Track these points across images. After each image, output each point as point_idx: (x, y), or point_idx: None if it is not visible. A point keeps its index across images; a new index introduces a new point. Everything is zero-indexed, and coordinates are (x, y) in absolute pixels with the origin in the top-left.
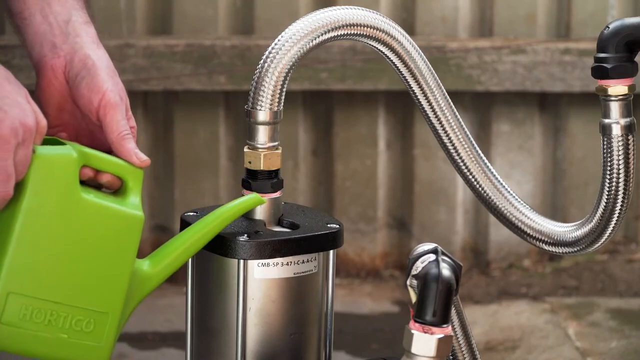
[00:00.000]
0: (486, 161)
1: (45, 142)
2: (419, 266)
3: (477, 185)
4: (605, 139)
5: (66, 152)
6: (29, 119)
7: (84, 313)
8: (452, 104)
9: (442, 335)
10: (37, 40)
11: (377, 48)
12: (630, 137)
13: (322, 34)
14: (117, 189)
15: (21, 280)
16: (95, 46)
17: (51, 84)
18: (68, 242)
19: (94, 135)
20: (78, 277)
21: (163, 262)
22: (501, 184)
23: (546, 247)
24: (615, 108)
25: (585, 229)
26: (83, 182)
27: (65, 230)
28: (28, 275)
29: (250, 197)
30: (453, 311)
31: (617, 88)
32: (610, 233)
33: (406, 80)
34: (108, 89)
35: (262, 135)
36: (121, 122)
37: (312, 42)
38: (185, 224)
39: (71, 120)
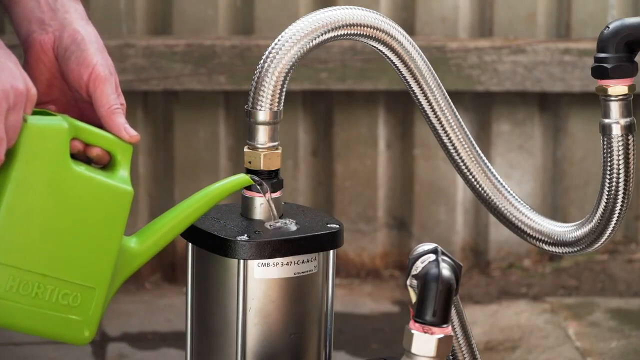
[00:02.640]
0: (486, 161)
1: (36, 114)
2: (419, 266)
3: (477, 185)
4: (605, 139)
5: (57, 123)
6: (20, 83)
7: (70, 287)
8: (452, 104)
9: (442, 335)
10: (25, 17)
11: (377, 48)
12: (630, 137)
13: (322, 34)
14: (106, 164)
15: (9, 250)
16: (84, 22)
17: (40, 60)
18: (57, 214)
19: (83, 112)
20: (66, 249)
21: (150, 239)
22: (501, 184)
23: (546, 247)
24: (615, 108)
25: (585, 229)
26: (72, 156)
27: (54, 202)
28: (16, 246)
29: (237, 177)
30: (453, 311)
31: (617, 88)
32: (610, 233)
33: (406, 80)
34: (98, 62)
35: (262, 135)
36: (111, 96)
37: (312, 42)
38: None
39: (60, 96)
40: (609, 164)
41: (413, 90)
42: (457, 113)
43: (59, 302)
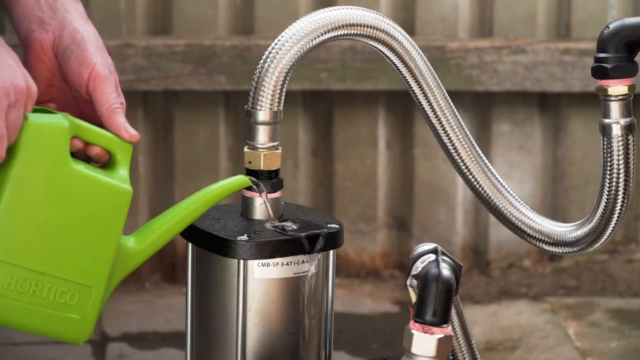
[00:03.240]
0: (486, 161)
1: (36, 112)
2: (419, 266)
3: (477, 185)
4: (605, 139)
5: (58, 121)
6: (20, 80)
7: (68, 285)
8: (452, 104)
9: (442, 335)
10: (25, 17)
11: (377, 48)
12: (630, 137)
13: (322, 34)
14: (105, 163)
15: (7, 247)
16: (83, 21)
17: (40, 60)
18: (56, 212)
19: (83, 111)
20: (64, 248)
21: (148, 238)
22: (501, 184)
23: (546, 247)
24: (615, 108)
25: (585, 229)
26: (72, 154)
27: (53, 200)
28: (15, 243)
29: (236, 178)
30: (453, 311)
31: (617, 88)
32: (610, 233)
33: (406, 80)
34: (97, 62)
35: (262, 135)
36: (111, 96)
37: (312, 42)
38: None
39: (60, 96)
40: (609, 164)
41: (413, 90)
42: (457, 113)
43: (56, 300)
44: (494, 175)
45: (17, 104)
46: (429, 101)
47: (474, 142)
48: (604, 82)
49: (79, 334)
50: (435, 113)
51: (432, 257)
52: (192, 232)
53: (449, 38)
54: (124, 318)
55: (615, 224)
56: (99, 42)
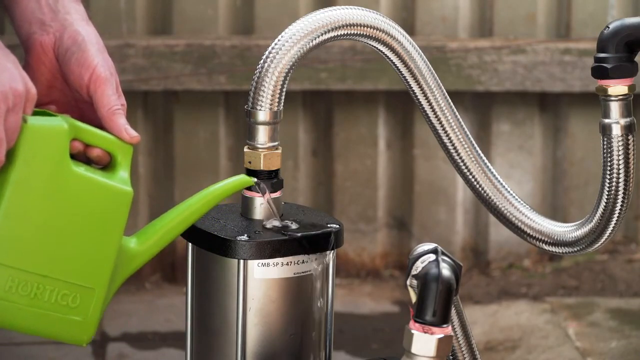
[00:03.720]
0: (486, 161)
1: (36, 114)
2: (419, 266)
3: (477, 185)
4: (605, 139)
5: (58, 124)
6: (19, 84)
7: (70, 287)
8: (452, 104)
9: (442, 335)
10: (26, 18)
11: (377, 48)
12: (630, 137)
13: (322, 34)
14: (106, 165)
15: (8, 251)
16: (84, 23)
17: (40, 61)
18: (56, 215)
19: (83, 113)
20: (65, 250)
21: (150, 239)
22: (501, 184)
23: (546, 247)
24: (615, 108)
25: (585, 229)
26: (72, 156)
27: (54, 202)
28: (15, 247)
29: (237, 178)
30: (453, 311)
31: (617, 88)
32: (610, 233)
33: (406, 80)
34: (98, 64)
35: (262, 135)
36: (112, 97)
37: (312, 42)
38: None
39: (61, 97)
40: (609, 164)
41: (413, 90)
42: (457, 113)
43: (58, 303)
44: (494, 175)
45: (16, 108)
46: (429, 101)
47: (474, 142)
48: (604, 82)
49: (81, 335)
50: (435, 113)
51: (432, 257)
52: (192, 232)
53: (449, 38)
54: (124, 318)
55: (615, 224)
56: (99, 43)
